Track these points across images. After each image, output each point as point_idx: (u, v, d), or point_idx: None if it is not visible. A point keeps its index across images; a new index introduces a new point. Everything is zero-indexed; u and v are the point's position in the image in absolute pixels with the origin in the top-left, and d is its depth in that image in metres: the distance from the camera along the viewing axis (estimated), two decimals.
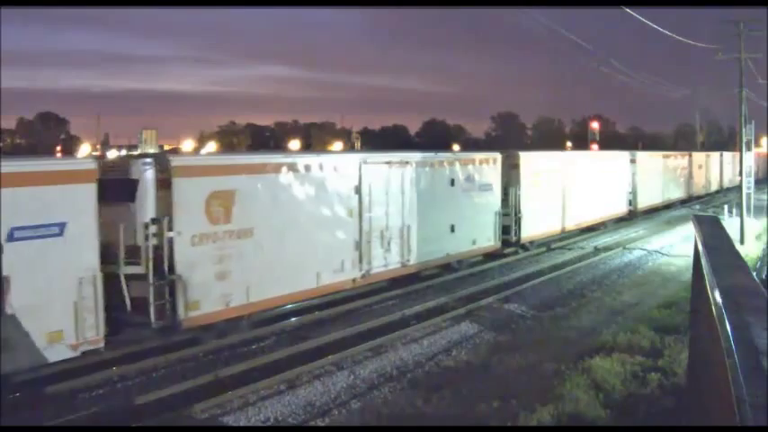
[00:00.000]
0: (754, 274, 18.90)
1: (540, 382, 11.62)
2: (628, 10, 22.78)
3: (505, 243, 23.84)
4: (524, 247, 25.37)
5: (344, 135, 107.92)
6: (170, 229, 12.69)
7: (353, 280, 16.98)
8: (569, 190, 28.00)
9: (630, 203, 35.74)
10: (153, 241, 12.51)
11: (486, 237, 22.35)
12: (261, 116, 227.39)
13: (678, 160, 46.18)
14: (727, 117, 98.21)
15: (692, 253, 12.25)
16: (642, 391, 11.04)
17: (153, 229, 12.59)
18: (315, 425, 10.61)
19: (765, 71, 40.89)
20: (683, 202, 45.48)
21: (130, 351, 12.88)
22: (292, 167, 15.52)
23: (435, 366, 13.28)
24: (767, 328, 3.45)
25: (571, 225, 28.68)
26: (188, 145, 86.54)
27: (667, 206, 42.03)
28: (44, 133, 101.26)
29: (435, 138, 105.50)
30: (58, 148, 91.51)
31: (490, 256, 23.29)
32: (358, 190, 17.03)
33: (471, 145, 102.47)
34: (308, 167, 15.88)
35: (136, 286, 12.43)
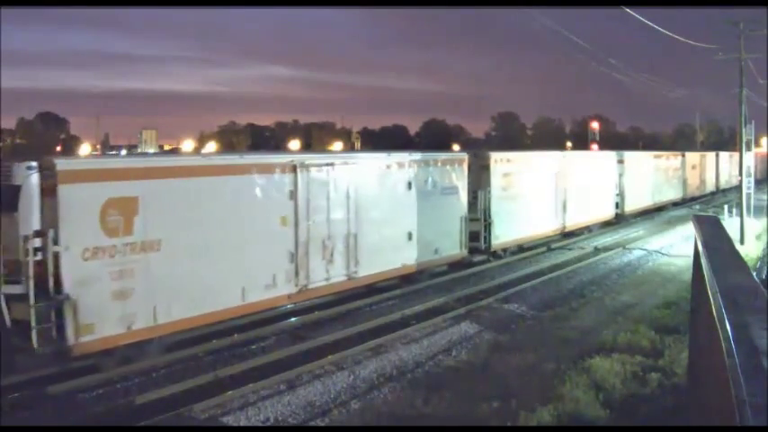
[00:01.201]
0: (754, 274, 18.91)
1: (540, 382, 11.63)
2: (628, 10, 22.79)
3: (474, 251, 22.21)
4: (496, 255, 23.58)
5: (344, 135, 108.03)
6: (56, 243, 11.25)
7: (288, 296, 15.22)
8: (548, 193, 26.51)
9: (618, 206, 33.97)
10: (35, 256, 11.13)
11: (450, 245, 20.65)
12: (261, 116, 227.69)
13: (670, 161, 44.33)
14: (727, 117, 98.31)
15: (691, 253, 12.25)
16: (642, 391, 11.04)
17: (36, 242, 11.20)
18: (315, 425, 10.61)
19: (765, 71, 40.89)
20: (675, 205, 43.88)
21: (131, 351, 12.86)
22: (211, 171, 13.95)
23: (435, 366, 13.28)
24: (767, 328, 3.45)
25: (550, 230, 27.05)
26: (188, 145, 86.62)
27: (659, 209, 40.37)
28: (44, 133, 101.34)
29: (435, 138, 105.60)
30: (58, 148, 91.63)
31: (456, 265, 21.38)
32: (293, 195, 15.22)
33: (471, 145, 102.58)
34: (230, 170, 14.35)
35: (17, 307, 11.12)
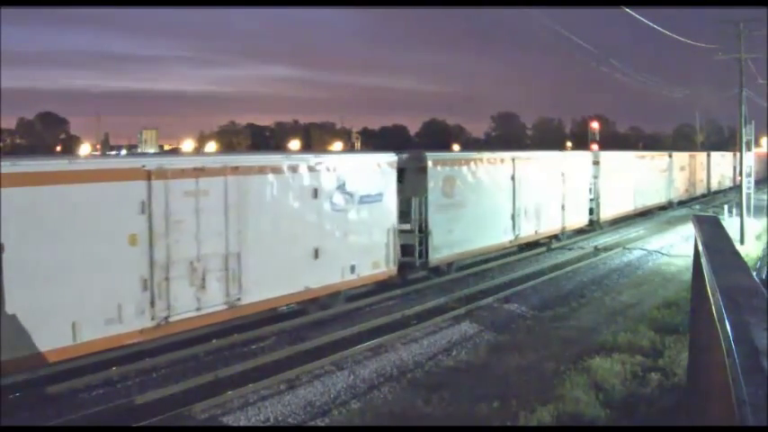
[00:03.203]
0: (754, 274, 18.90)
1: (540, 382, 11.62)
2: (628, 10, 22.78)
3: (408, 267, 19.40)
4: (438, 271, 20.72)
5: (344, 135, 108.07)
6: None
7: (140, 331, 12.40)
8: (502, 199, 23.47)
9: (592, 212, 30.62)
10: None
11: (372, 261, 17.60)
12: (261, 116, 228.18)
13: (655, 161, 40.64)
14: (727, 117, 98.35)
15: (691, 253, 12.24)
16: (642, 391, 11.04)
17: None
18: (315, 425, 10.61)
19: (765, 71, 40.89)
20: (662, 209, 40.59)
21: (131, 351, 12.87)
22: (27, 179, 11.09)
23: (435, 366, 13.28)
24: (767, 328, 3.45)
25: (506, 241, 23.91)
26: (188, 145, 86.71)
27: (641, 214, 37.29)
28: (44, 133, 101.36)
29: (435, 138, 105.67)
30: (58, 148, 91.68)
31: (384, 285, 18.62)
32: (146, 208, 12.52)
33: (471, 145, 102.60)
34: (57, 178, 11.47)
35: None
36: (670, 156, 43.06)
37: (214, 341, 13.94)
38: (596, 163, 31.07)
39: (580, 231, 29.97)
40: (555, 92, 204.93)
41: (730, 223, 29.11)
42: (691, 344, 10.03)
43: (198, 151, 68.74)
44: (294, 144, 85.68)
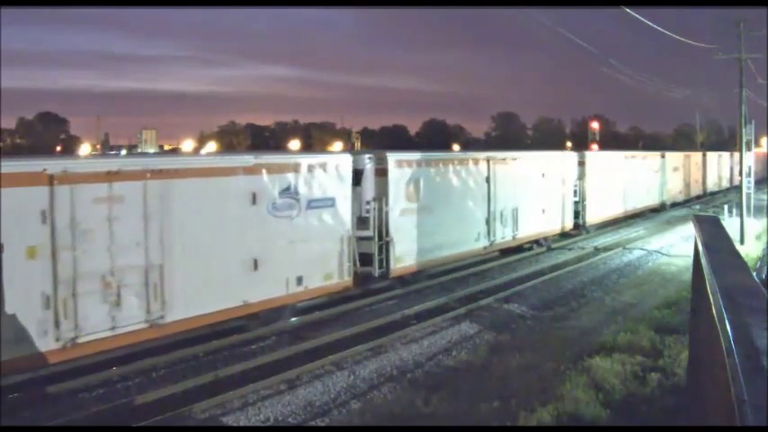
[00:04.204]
0: (754, 274, 18.90)
1: (540, 382, 11.63)
2: (628, 10, 22.78)
3: (367, 277, 17.92)
4: (403, 281, 19.18)
5: (344, 135, 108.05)
6: None
7: (44, 354, 11.15)
8: (474, 202, 21.91)
9: (578, 216, 29.08)
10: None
11: (323, 272, 16.10)
12: (261, 116, 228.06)
13: (647, 162, 38.96)
14: (727, 117, 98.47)
15: (691, 253, 12.24)
16: (642, 391, 11.04)
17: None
18: (315, 425, 10.62)
19: (765, 71, 40.88)
20: (654, 212, 39.35)
21: (131, 351, 12.87)
22: None
23: (435, 366, 13.28)
24: (767, 328, 3.45)
25: (479, 247, 22.23)
26: (188, 145, 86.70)
27: (632, 216, 36.00)
28: (44, 133, 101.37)
29: (435, 138, 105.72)
30: (58, 148, 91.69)
31: (340, 296, 17.19)
32: (48, 217, 11.29)
33: (471, 145, 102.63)
34: None
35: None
36: (662, 156, 41.65)
37: (214, 341, 13.93)
38: (582, 164, 29.53)
39: (566, 236, 28.71)
40: (555, 92, 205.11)
41: (730, 223, 29.11)
42: (691, 344, 10.04)
43: (197, 151, 68.65)
44: (294, 144, 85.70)
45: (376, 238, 17.69)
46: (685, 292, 16.49)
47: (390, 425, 10.30)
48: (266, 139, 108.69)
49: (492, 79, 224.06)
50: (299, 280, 15.47)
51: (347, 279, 16.87)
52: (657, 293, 19.20)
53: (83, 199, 11.62)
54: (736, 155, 40.97)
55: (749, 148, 32.84)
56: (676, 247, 27.26)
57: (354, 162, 17.37)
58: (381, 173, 18.13)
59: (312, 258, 15.76)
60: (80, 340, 11.56)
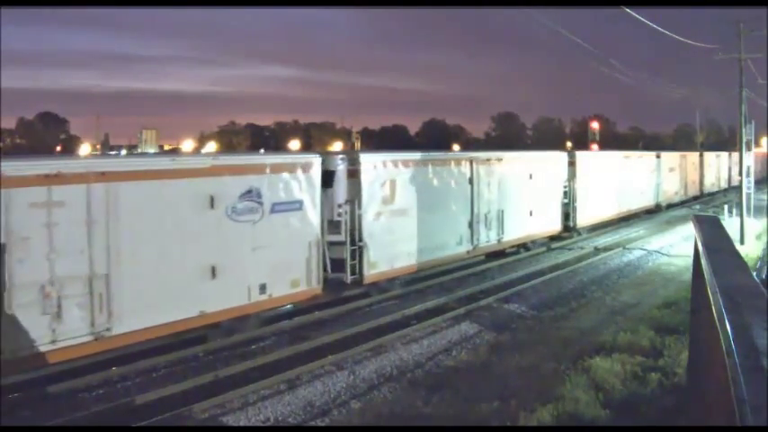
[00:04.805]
0: (754, 274, 18.90)
1: (540, 382, 11.63)
2: (628, 10, 22.79)
3: (339, 284, 17.01)
4: (379, 287, 18.29)
5: (344, 135, 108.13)
6: None
7: None
8: (456, 205, 21.13)
9: (567, 218, 28.02)
10: None
11: (289, 279, 15.23)
12: (261, 116, 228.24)
13: (641, 162, 38.17)
14: (727, 117, 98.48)
15: (691, 253, 12.24)
16: (642, 391, 11.04)
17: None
18: (315, 425, 10.62)
19: (765, 71, 40.85)
20: (649, 213, 38.68)
21: (131, 351, 12.88)
22: None
23: (435, 366, 13.28)
24: (767, 328, 3.45)
25: (462, 251, 21.48)
26: (188, 145, 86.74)
27: (626, 218, 35.22)
28: (44, 133, 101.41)
29: (435, 138, 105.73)
30: (58, 148, 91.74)
31: (311, 303, 16.40)
32: None
33: (471, 145, 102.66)
34: None
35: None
36: (658, 156, 40.81)
37: (214, 341, 13.93)
38: (572, 164, 28.43)
39: (556, 238, 27.82)
40: (555, 92, 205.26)
41: (730, 223, 29.12)
42: (691, 344, 10.03)
43: (197, 151, 68.59)
44: (294, 144, 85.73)
45: (348, 243, 16.80)
46: (685, 292, 16.48)
47: (390, 425, 10.30)
48: (266, 139, 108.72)
49: (492, 79, 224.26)
50: (263, 288, 14.55)
51: (316, 286, 15.96)
52: (657, 293, 19.20)
53: (17, 204, 10.84)
54: (735, 155, 40.83)
55: (749, 148, 32.85)
56: (676, 247, 27.27)
57: (326, 163, 16.63)
58: (354, 174, 17.25)
59: (277, 265, 14.84)
60: (21, 354, 10.84)
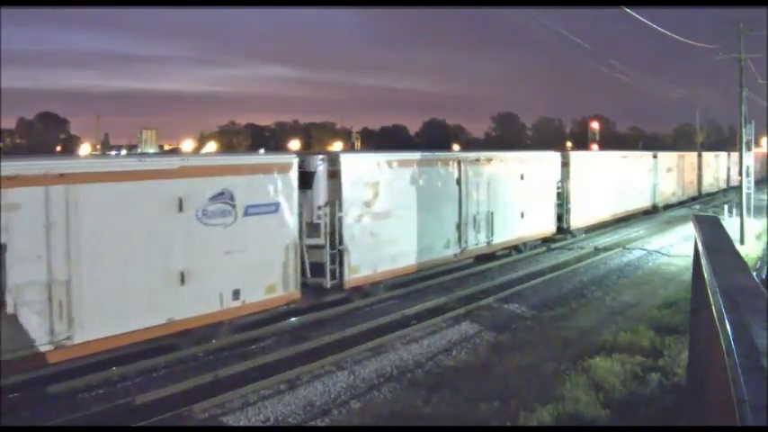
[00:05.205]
0: (754, 274, 18.90)
1: (540, 382, 11.63)
2: (628, 10, 22.80)
3: (318, 290, 16.45)
4: (362, 291, 17.80)
5: (344, 135, 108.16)
6: None
7: None
8: (445, 207, 20.53)
9: (561, 219, 27.45)
10: None
11: (265, 285, 14.61)
12: (261, 116, 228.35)
13: (637, 162, 37.58)
14: (727, 117, 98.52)
15: (691, 253, 12.24)
16: (642, 391, 11.04)
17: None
18: (315, 425, 10.62)
19: (765, 71, 40.86)
20: (646, 214, 38.19)
21: (131, 351, 12.88)
22: None
23: (435, 366, 13.28)
24: (767, 328, 3.45)
25: (450, 254, 20.87)
26: (188, 145, 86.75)
27: (622, 219, 34.58)
28: (44, 133, 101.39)
29: (435, 138, 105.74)
30: (59, 148, 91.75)
31: (285, 308, 15.77)
32: None
33: (471, 145, 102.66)
34: None
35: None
36: (654, 156, 40.23)
37: (214, 341, 13.93)
38: (566, 164, 27.61)
39: (549, 240, 27.18)
40: (555, 92, 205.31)
41: (730, 223, 29.12)
42: (691, 344, 10.04)
43: (197, 151, 68.56)
44: (294, 144, 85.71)
45: (328, 247, 16.21)
46: (685, 292, 16.49)
47: (390, 425, 10.30)
48: (266, 139, 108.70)
49: (492, 79, 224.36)
50: (236, 294, 13.94)
51: (293, 291, 15.29)
52: (657, 293, 19.20)
53: None
54: (734, 155, 40.70)
55: (749, 148, 32.85)
56: (676, 247, 27.27)
57: (305, 164, 16.11)
58: (335, 175, 16.59)
59: (251, 270, 14.21)
60: None
